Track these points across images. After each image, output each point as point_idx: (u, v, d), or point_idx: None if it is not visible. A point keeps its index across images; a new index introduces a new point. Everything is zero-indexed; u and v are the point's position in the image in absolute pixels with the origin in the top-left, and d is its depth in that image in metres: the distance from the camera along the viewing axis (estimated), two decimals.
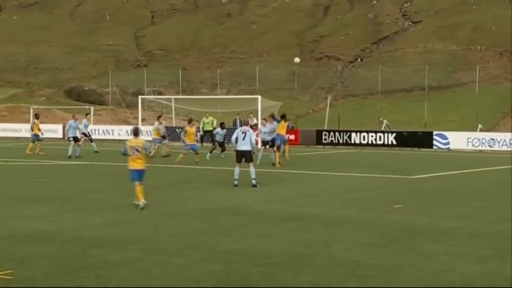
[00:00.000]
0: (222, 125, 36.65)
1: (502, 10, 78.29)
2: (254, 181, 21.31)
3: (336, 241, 12.63)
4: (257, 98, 46.41)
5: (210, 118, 43.54)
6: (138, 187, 16.71)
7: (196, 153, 30.43)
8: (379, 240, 12.73)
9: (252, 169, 21.49)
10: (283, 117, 31.66)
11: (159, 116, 37.88)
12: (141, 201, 16.54)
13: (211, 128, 41.98)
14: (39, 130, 36.54)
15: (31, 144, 36.16)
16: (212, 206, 17.23)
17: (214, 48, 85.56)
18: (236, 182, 21.29)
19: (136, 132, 17.46)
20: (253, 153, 22.52)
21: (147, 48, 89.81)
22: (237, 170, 21.52)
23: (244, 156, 21.62)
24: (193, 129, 31.55)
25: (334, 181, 24.53)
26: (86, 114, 42.20)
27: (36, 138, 36.19)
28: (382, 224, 14.48)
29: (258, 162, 28.06)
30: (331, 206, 17.51)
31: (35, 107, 62.49)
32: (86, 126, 38.12)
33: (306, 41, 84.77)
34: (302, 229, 14.01)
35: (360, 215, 15.91)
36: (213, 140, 37.96)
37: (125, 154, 16.98)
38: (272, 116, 31.78)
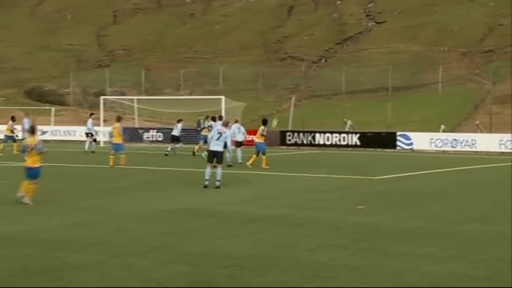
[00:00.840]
0: (179, 121, 38.46)
1: (464, 11, 79.27)
2: (218, 183, 21.25)
3: (300, 242, 12.70)
4: (221, 99, 46.41)
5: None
6: (29, 185, 16.77)
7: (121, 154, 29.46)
8: (342, 241, 12.83)
9: (219, 171, 21.41)
10: (264, 122, 31.29)
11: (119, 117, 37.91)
12: (21, 194, 16.69)
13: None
14: (12, 131, 38.30)
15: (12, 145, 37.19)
16: (176, 208, 17.20)
17: (177, 48, 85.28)
18: (206, 183, 21.16)
19: (32, 130, 17.51)
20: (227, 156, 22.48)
21: (109, 47, 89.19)
22: (208, 170, 21.40)
23: (216, 157, 21.55)
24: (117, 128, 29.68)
25: (298, 182, 24.63)
26: (91, 114, 43.38)
27: (9, 138, 38.07)
28: (345, 225, 14.59)
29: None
30: (295, 207, 17.58)
31: None
32: (91, 126, 40.53)
33: (270, 42, 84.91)
34: (265, 230, 14.06)
35: (324, 215, 16.01)
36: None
37: (23, 151, 17.15)
38: (218, 118, 31.08)
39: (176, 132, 37.90)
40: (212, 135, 21.87)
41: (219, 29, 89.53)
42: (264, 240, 12.87)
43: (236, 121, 34.48)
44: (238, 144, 32.03)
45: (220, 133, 21.58)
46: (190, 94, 69.61)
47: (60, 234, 13.43)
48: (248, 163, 29.44)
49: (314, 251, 11.90)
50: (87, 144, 39.51)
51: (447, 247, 12.28)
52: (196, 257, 11.37)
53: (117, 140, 29.56)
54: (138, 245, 12.34)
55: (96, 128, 42.81)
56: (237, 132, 32.33)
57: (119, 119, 31.30)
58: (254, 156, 29.77)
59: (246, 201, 18.74)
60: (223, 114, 45.67)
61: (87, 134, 40.51)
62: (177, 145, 37.82)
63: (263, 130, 30.39)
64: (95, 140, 41.28)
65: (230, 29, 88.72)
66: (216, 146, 21.54)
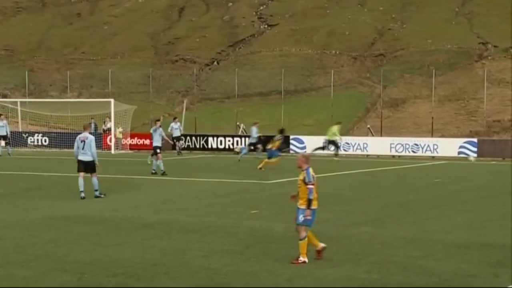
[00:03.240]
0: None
1: (355, 15, 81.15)
2: (97, 193, 20.32)
3: (192, 248, 12.62)
4: (110, 102, 45.76)
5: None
6: None
7: None
8: (236, 247, 12.83)
9: (94, 180, 20.29)
10: (281, 131, 33.48)
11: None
12: None
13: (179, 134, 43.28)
14: None
15: None
16: (62, 215, 16.79)
17: (63, 49, 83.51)
18: (82, 195, 19.94)
19: None
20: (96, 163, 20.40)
21: None
22: (80, 181, 20.16)
23: (86, 166, 20.22)
24: None
25: (190, 187, 24.52)
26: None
27: None
28: (239, 230, 14.61)
29: None
30: (187, 212, 17.48)
31: None
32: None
33: (161, 43, 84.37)
34: (157, 237, 13.90)
35: (217, 221, 15.98)
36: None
37: None
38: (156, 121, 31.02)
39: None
40: (76, 145, 20.29)
41: (108, 30, 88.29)
42: (155, 247, 12.71)
43: (255, 124, 38.73)
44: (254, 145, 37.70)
45: (83, 141, 20.09)
46: (77, 96, 68.30)
47: None
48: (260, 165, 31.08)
49: (207, 257, 11.84)
50: None
51: (339, 251, 12.47)
52: (82, 266, 11.11)
53: None
54: (21, 254, 11.95)
55: None
56: (254, 133, 38.20)
57: None
58: (266, 160, 31.54)
59: (137, 207, 18.50)
60: (112, 117, 45.22)
61: None
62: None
63: (277, 139, 32.47)
64: None
65: (119, 30, 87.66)
66: (83, 156, 20.13)
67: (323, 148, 41.32)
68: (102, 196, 20.35)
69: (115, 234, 14.16)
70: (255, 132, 38.69)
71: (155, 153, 28.54)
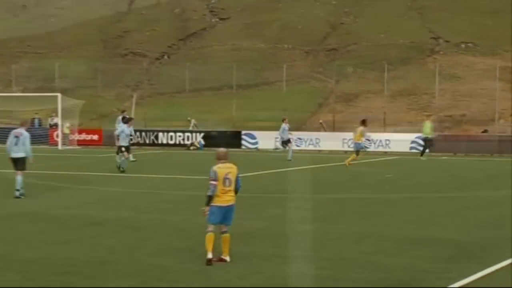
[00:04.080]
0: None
1: (308, 9, 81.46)
2: (17, 193, 19.17)
3: (142, 246, 12.56)
4: (57, 96, 45.22)
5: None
6: None
7: None
8: (186, 244, 12.80)
9: (19, 178, 19.29)
10: (363, 122, 32.23)
11: None
12: None
13: None
14: None
15: None
16: (7, 212, 16.57)
17: (8, 42, 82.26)
18: (17, 194, 19.11)
19: None
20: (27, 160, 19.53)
21: None
22: (18, 178, 19.32)
23: (16, 163, 19.41)
24: None
25: (140, 183, 24.37)
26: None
27: None
28: (189, 227, 14.57)
29: None
30: (136, 209, 17.39)
31: None
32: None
33: (110, 37, 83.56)
34: (105, 234, 13.81)
35: (167, 218, 15.93)
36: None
37: None
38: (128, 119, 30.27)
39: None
40: (9, 140, 19.52)
41: (55, 22, 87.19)
42: (103, 245, 12.63)
43: (284, 120, 37.03)
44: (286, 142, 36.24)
45: (17, 137, 19.43)
46: (23, 91, 67.29)
47: None
48: (346, 161, 31.06)
49: (157, 255, 11.80)
50: None
51: (292, 248, 12.52)
52: (28, 264, 10.98)
53: None
54: None
55: None
56: (284, 130, 36.39)
57: None
58: (354, 155, 31.35)
59: (85, 204, 18.34)
60: (59, 112, 44.66)
61: None
62: None
63: (362, 131, 31.73)
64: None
65: (66, 23, 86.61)
66: (15, 153, 19.39)
67: (427, 147, 37.82)
68: (22, 197, 19.20)
69: (63, 232, 14.02)
70: (285, 128, 37.19)
71: (122, 151, 27.84)
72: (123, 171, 27.16)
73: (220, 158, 11.50)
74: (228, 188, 11.34)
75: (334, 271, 10.78)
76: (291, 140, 38.59)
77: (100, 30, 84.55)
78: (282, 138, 37.09)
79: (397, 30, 72.76)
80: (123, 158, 27.68)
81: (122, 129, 28.56)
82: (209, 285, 9.99)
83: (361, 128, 31.80)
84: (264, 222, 15.38)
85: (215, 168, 11.32)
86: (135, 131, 46.39)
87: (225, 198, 11.35)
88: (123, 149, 27.86)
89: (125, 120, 30.21)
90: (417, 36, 71.41)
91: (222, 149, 11.85)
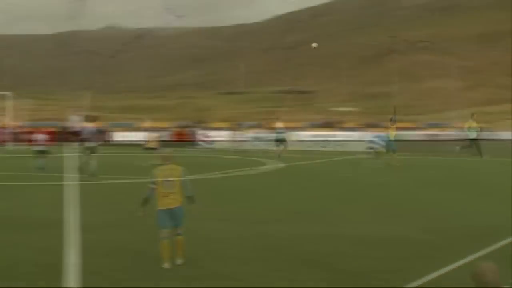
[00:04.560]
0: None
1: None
2: None
3: (91, 248, 12.35)
4: (6, 95, 44.68)
5: None
6: None
7: None
8: (139, 246, 12.63)
9: None
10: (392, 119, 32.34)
11: None
12: None
13: None
14: None
15: None
16: None
17: None
18: None
19: None
20: None
21: None
22: None
23: None
24: None
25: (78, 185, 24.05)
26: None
27: None
28: (142, 229, 14.34)
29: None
30: (85, 210, 17.11)
31: None
32: None
33: (64, 34, 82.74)
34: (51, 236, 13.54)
35: (116, 219, 15.71)
36: None
37: None
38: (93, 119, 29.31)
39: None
40: None
41: (6, 17, 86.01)
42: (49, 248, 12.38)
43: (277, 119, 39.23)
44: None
45: None
46: None
47: None
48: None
49: (108, 256, 11.59)
50: None
51: (248, 248, 12.40)
52: None
53: None
54: None
55: None
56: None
57: None
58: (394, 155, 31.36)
59: (32, 206, 18.00)
60: (8, 111, 43.98)
61: None
62: None
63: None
64: None
65: (18, 19, 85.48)
66: None
67: (469, 146, 36.68)
68: None
69: (7, 234, 13.72)
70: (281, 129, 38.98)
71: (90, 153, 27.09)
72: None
73: (163, 160, 11.27)
74: (170, 191, 11.05)
75: (290, 272, 10.68)
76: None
77: (54, 27, 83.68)
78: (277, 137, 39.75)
79: (356, 29, 73.19)
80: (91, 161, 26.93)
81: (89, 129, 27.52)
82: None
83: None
84: (220, 223, 15.24)
85: (155, 170, 11.11)
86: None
87: (166, 201, 11.02)
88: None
89: (90, 119, 28.81)
90: (375, 35, 71.94)
91: (166, 150, 11.71)
